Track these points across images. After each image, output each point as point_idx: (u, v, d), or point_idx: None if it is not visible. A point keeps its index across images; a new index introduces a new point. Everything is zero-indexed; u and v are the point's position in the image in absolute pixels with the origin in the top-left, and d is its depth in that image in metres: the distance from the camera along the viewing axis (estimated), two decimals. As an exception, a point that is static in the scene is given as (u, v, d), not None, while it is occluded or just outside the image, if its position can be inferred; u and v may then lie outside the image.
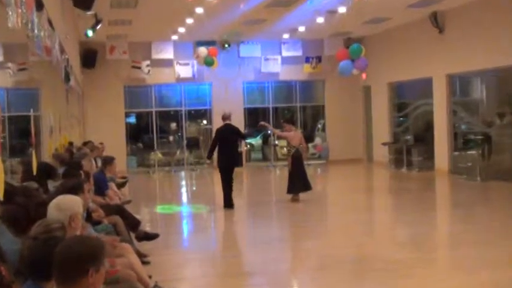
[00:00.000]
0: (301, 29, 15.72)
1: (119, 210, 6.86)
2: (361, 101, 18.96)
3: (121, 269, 4.20)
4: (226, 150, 10.51)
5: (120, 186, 10.02)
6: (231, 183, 10.51)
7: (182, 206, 12.29)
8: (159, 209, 11.39)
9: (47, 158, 8.62)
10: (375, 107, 18.30)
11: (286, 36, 17.45)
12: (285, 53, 18.43)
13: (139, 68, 17.52)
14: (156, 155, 18.27)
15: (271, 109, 19.12)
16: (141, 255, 5.89)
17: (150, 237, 7.14)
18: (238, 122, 16.18)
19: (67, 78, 9.26)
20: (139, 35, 16.40)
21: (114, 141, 15.84)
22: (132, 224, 6.89)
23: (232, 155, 10.72)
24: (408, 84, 17.06)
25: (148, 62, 17.54)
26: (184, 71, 17.98)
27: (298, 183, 10.86)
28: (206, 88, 18.86)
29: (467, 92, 15.52)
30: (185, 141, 18.89)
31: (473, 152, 13.47)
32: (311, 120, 21.11)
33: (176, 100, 19.01)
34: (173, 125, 20.16)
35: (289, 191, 10.97)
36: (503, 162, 13.20)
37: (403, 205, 11.03)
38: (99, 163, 9.42)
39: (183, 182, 16.88)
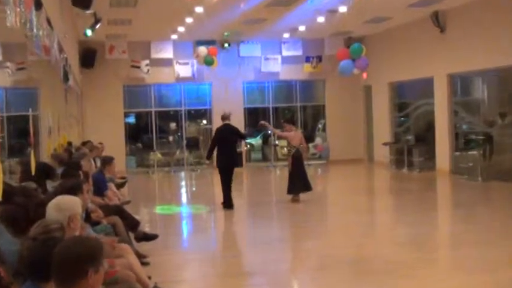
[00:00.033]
0: (302, 28, 15.67)
1: (118, 210, 6.84)
2: (362, 100, 18.91)
3: (120, 269, 4.20)
4: (225, 150, 10.46)
5: (119, 186, 9.99)
6: (230, 183, 10.45)
7: (182, 206, 12.25)
8: (158, 209, 11.36)
9: (45, 158, 8.60)
10: (375, 106, 18.25)
11: (286, 35, 17.39)
12: (285, 53, 18.38)
13: (138, 67, 17.47)
14: (156, 155, 18.21)
15: (271, 109, 19.06)
16: (140, 256, 5.87)
17: (149, 237, 7.12)
18: (238, 121, 16.15)
19: (66, 77, 9.21)
20: (138, 35, 16.35)
21: (113, 141, 15.78)
22: (132, 224, 6.87)
23: (232, 155, 10.67)
24: (409, 84, 17.01)
25: (147, 62, 17.49)
26: (184, 70, 17.93)
27: (298, 183, 10.82)
28: (206, 88, 18.81)
29: (469, 91, 15.46)
30: (185, 141, 18.83)
31: (474, 152, 13.43)
32: (311, 120, 21.05)
33: (176, 100, 18.95)
34: (173, 125, 20.09)
35: (289, 192, 10.93)
36: (504, 163, 13.14)
37: (404, 205, 11.01)
38: (98, 163, 9.39)
39: (183, 183, 16.84)
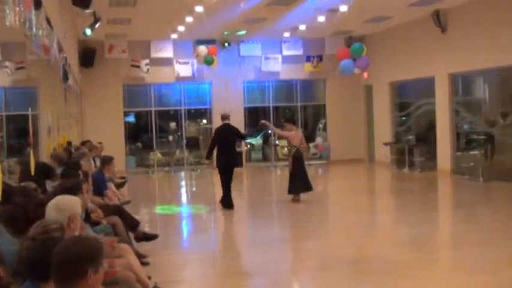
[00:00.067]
0: (302, 27, 15.63)
1: (118, 210, 6.83)
2: (363, 100, 18.86)
3: (120, 270, 4.20)
4: (225, 150, 10.44)
5: (119, 186, 10.00)
6: (230, 183, 10.42)
7: (182, 206, 12.22)
8: (158, 209, 11.32)
9: (45, 157, 8.62)
10: (376, 106, 18.20)
11: (286, 34, 17.34)
12: (285, 52, 18.34)
13: (138, 66, 17.43)
14: (156, 155, 18.17)
15: (271, 108, 19.01)
16: (140, 256, 5.86)
17: (149, 237, 7.11)
18: (239, 121, 16.15)
19: (65, 77, 9.21)
20: (138, 34, 16.31)
21: (112, 141, 15.74)
22: (131, 224, 6.86)
23: (232, 155, 10.65)
24: (410, 84, 16.97)
25: (147, 61, 17.45)
26: (183, 69, 17.88)
27: (299, 183, 10.79)
28: (206, 87, 18.76)
29: (470, 91, 15.40)
30: (185, 141, 18.78)
31: (475, 152, 13.38)
32: (312, 119, 21.00)
33: (176, 99, 18.90)
34: (173, 125, 20.04)
35: (290, 192, 10.89)
36: (506, 163, 13.09)
37: (405, 206, 10.99)
38: (98, 163, 9.38)
39: (183, 182, 16.80)
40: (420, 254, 6.81)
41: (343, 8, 12.56)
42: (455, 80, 14.70)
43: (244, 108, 18.66)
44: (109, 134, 16.32)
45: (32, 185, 4.92)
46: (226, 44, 17.76)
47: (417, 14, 14.51)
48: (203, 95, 18.90)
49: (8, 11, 3.54)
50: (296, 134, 11.00)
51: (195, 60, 17.63)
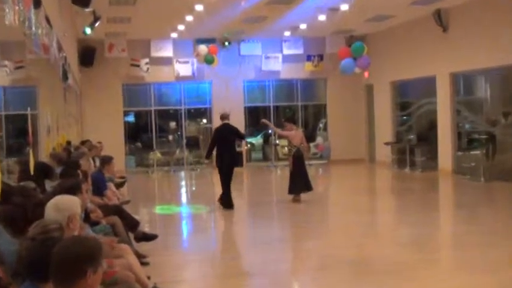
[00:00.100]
0: (303, 26, 15.58)
1: (118, 210, 6.83)
2: (364, 100, 18.82)
3: (119, 270, 4.20)
4: (225, 150, 10.41)
5: (119, 186, 9.99)
6: (229, 183, 10.39)
7: (181, 206, 12.19)
8: (158, 209, 11.29)
9: (44, 157, 8.58)
10: (377, 106, 18.15)
11: (287, 34, 17.28)
12: (286, 51, 18.29)
13: (138, 66, 17.39)
14: (155, 155, 18.12)
15: (272, 108, 18.96)
16: (139, 256, 5.84)
17: (149, 237, 7.09)
18: (239, 121, 16.11)
19: (65, 76, 9.21)
20: (138, 33, 16.26)
21: (112, 141, 15.69)
22: (131, 224, 6.85)
23: (231, 154, 10.62)
24: (411, 83, 16.93)
25: (147, 60, 17.40)
26: (183, 69, 17.83)
27: (299, 183, 10.75)
28: (206, 86, 18.71)
29: (471, 90, 15.37)
30: (185, 141, 18.74)
31: (477, 152, 13.34)
32: (312, 119, 20.96)
33: (176, 99, 18.84)
34: (172, 124, 19.98)
35: (290, 192, 10.85)
36: (507, 162, 13.04)
37: (406, 206, 10.97)
38: (97, 163, 9.38)
39: (183, 182, 16.76)
40: (421, 255, 6.81)
41: (344, 7, 12.55)
42: (456, 79, 14.66)
43: (245, 107, 18.62)
44: (109, 134, 16.28)
45: (31, 184, 4.91)
46: (226, 43, 17.71)
47: (418, 13, 14.46)
48: (203, 95, 18.85)
49: (7, 10, 3.54)
50: (296, 134, 10.96)
51: (195, 60, 17.59)
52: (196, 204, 12.21)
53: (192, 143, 19.02)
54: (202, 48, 16.82)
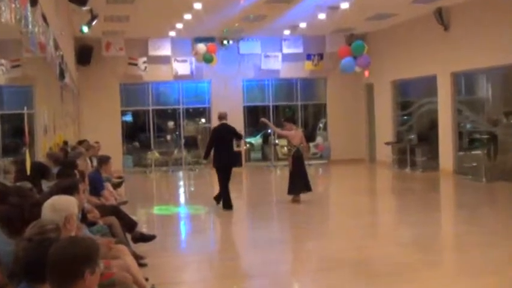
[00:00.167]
0: (302, 25, 15.49)
1: (115, 211, 6.84)
2: (364, 99, 18.74)
3: (117, 271, 4.21)
4: (222, 150, 10.39)
5: (116, 186, 10.03)
6: (228, 183, 10.35)
7: (180, 206, 12.15)
8: (156, 209, 11.24)
9: (41, 157, 8.49)
10: (377, 105, 18.07)
11: (287, 32, 17.17)
12: (285, 50, 18.21)
13: (136, 64, 17.29)
14: (153, 155, 18.02)
15: (271, 107, 18.86)
16: (137, 257, 5.84)
17: (146, 238, 7.09)
18: (238, 120, 16.03)
19: (62, 75, 9.17)
20: (136, 31, 16.16)
21: (109, 140, 15.60)
22: (129, 225, 6.85)
23: (229, 154, 10.62)
24: (412, 82, 16.86)
25: (145, 59, 17.31)
26: (182, 68, 17.74)
27: (299, 183, 10.70)
28: (205, 86, 18.62)
29: (473, 90, 15.30)
30: (183, 140, 18.66)
31: (478, 151, 13.28)
32: (312, 118, 20.89)
33: (174, 98, 18.74)
34: (171, 124, 19.86)
35: (290, 192, 10.80)
36: (509, 163, 12.99)
37: (407, 206, 10.95)
38: (95, 162, 9.38)
39: (181, 182, 16.69)
40: (422, 255, 6.81)
41: (344, 5, 12.51)
42: (457, 78, 14.58)
43: (244, 107, 18.52)
44: (106, 133, 16.19)
45: (28, 184, 4.86)
46: (225, 42, 17.60)
47: (419, 12, 14.39)
48: (202, 94, 18.75)
49: (3, 8, 3.51)
50: (296, 134, 10.90)
51: (193, 59, 17.49)
52: (194, 204, 12.16)
53: (191, 143, 18.93)
54: (201, 47, 16.71)
